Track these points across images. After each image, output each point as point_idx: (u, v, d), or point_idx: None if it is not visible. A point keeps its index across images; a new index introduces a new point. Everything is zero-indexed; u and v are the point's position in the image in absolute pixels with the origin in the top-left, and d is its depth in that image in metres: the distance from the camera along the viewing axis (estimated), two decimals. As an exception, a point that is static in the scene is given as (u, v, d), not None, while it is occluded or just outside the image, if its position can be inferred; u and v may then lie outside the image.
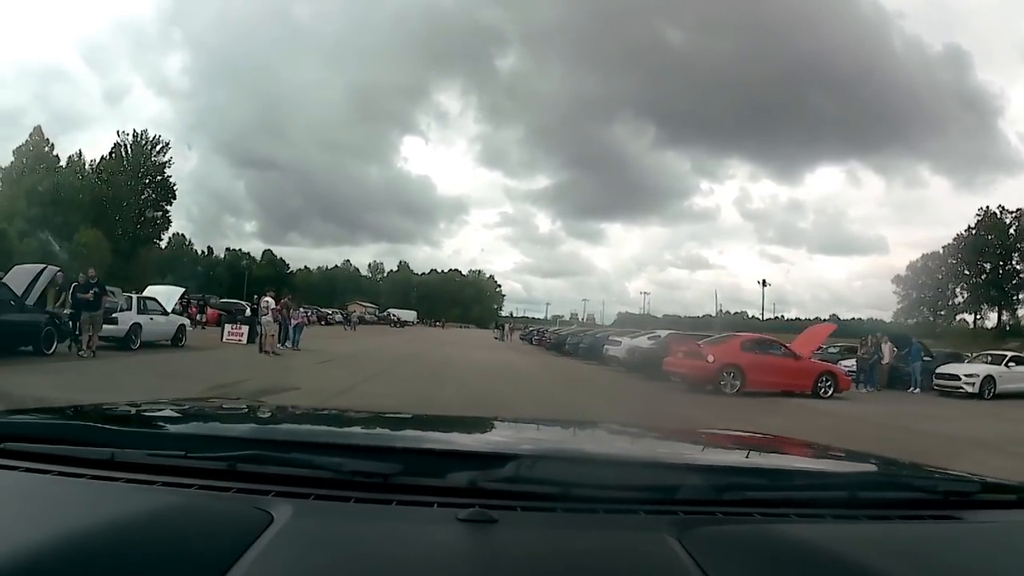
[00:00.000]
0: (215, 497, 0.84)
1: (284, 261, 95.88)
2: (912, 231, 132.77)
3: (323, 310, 57.53)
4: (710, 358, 13.96)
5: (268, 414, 1.58)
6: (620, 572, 0.74)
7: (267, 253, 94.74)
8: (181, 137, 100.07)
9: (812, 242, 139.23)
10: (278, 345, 18.37)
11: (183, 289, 17.93)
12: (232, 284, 68.63)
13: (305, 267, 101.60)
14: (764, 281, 65.54)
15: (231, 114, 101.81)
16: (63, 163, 63.09)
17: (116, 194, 65.40)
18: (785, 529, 0.84)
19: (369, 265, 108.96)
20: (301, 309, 19.96)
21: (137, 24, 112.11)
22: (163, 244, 75.29)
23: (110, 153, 67.82)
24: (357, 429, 1.48)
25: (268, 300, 17.36)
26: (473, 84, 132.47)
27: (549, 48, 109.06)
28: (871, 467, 1.28)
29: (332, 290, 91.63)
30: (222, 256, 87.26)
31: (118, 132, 67.35)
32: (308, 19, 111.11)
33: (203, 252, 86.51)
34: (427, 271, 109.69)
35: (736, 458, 1.37)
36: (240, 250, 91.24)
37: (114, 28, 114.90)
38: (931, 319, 66.29)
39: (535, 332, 49.05)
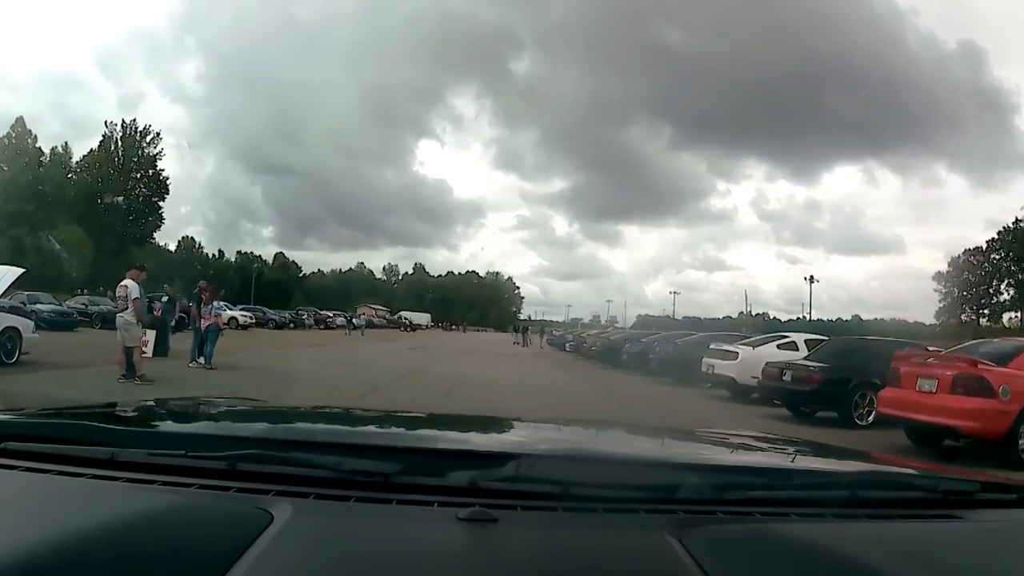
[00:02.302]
0: (215, 497, 0.83)
1: (296, 264, 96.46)
2: (929, 230, 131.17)
3: (322, 312, 51.13)
4: (1005, 393, 6.55)
5: (268, 414, 1.56)
6: (620, 572, 0.73)
7: (279, 256, 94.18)
8: (197, 143, 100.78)
9: (829, 242, 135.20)
10: (190, 363, 12.38)
11: (21, 270, 11.05)
12: (242, 288, 66.63)
13: (319, 270, 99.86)
14: (812, 277, 59.28)
15: (246, 120, 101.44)
16: (48, 157, 59.43)
17: (104, 188, 60.39)
18: (785, 528, 0.83)
19: (384, 268, 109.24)
20: (215, 304, 12.65)
21: (151, 32, 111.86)
22: (173, 247, 74.67)
23: (99, 145, 62.76)
24: (357, 428, 1.46)
25: (128, 284, 9.60)
26: (488, 87, 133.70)
27: (563, 50, 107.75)
28: (871, 467, 1.26)
29: (346, 293, 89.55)
30: (233, 260, 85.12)
31: (106, 123, 62.85)
32: (322, 24, 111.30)
33: (214, 255, 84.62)
34: (444, 273, 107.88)
35: (736, 458, 1.34)
36: (251, 253, 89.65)
37: (128, 37, 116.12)
38: (975, 318, 61.92)
39: (571, 336, 39.40)
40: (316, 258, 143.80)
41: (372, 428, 1.46)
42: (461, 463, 0.89)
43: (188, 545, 0.70)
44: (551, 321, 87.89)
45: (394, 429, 1.48)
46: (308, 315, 48.84)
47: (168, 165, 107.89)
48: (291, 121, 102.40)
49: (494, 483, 0.84)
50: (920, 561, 0.80)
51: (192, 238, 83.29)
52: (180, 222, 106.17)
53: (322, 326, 47.68)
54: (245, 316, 34.94)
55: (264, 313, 41.24)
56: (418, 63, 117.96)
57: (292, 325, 42.24)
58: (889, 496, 0.98)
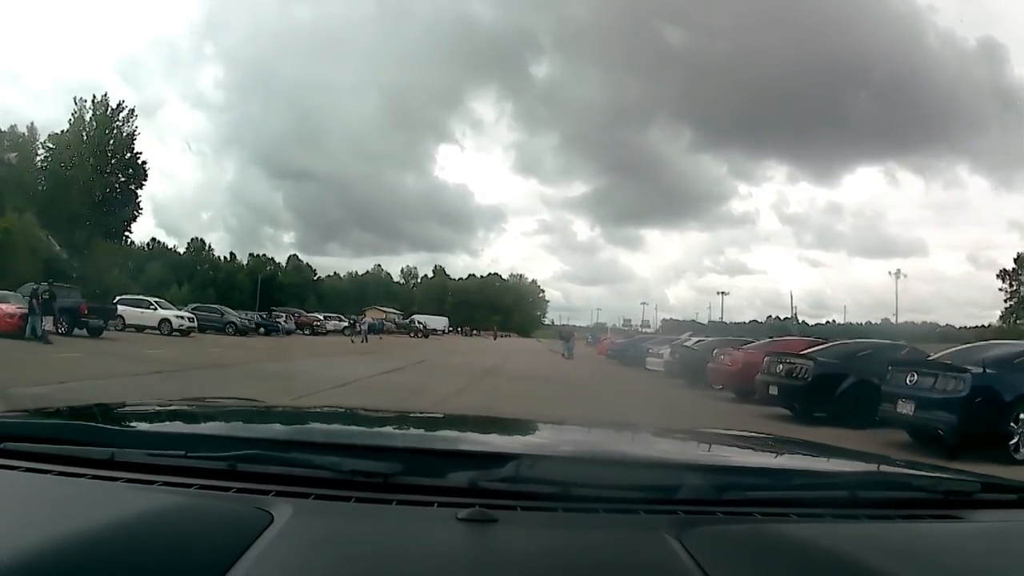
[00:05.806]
0: (215, 497, 0.83)
1: (310, 267, 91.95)
2: (952, 233, 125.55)
3: (308, 315, 42.39)
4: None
5: (268, 414, 1.57)
6: (620, 572, 0.74)
7: (293, 259, 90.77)
8: (217, 150, 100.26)
9: (852, 245, 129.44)
10: None
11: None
12: (253, 291, 64.39)
13: (334, 273, 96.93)
14: (898, 272, 54.90)
15: (267, 126, 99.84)
16: (16, 142, 52.53)
17: (72, 174, 52.50)
18: (785, 529, 0.84)
19: (402, 271, 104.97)
20: None
21: (170, 40, 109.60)
22: (182, 249, 72.04)
23: (69, 124, 55.15)
24: (357, 428, 1.47)
25: None
26: (508, 91, 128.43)
27: (583, 53, 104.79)
28: (871, 467, 1.26)
29: (363, 297, 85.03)
30: (245, 263, 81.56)
31: (75, 99, 54.82)
32: (341, 29, 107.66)
33: (225, 258, 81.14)
34: (464, 276, 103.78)
35: (736, 458, 1.34)
36: (264, 256, 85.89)
37: (148, 44, 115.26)
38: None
39: (662, 350, 21.35)
40: (337, 263, 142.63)
41: (372, 428, 1.48)
42: (461, 463, 0.89)
43: (188, 545, 0.71)
44: (574, 326, 79.98)
45: (394, 429, 1.51)
46: (287, 317, 39.43)
47: (191, 172, 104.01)
48: (311, 126, 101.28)
49: (494, 483, 0.85)
50: (920, 561, 0.80)
51: (201, 240, 79.27)
52: (202, 228, 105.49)
53: (307, 331, 38.86)
54: (181, 319, 26.33)
55: (222, 315, 32.18)
56: (438, 67, 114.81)
57: (261, 330, 33.56)
58: (889, 496, 0.98)
